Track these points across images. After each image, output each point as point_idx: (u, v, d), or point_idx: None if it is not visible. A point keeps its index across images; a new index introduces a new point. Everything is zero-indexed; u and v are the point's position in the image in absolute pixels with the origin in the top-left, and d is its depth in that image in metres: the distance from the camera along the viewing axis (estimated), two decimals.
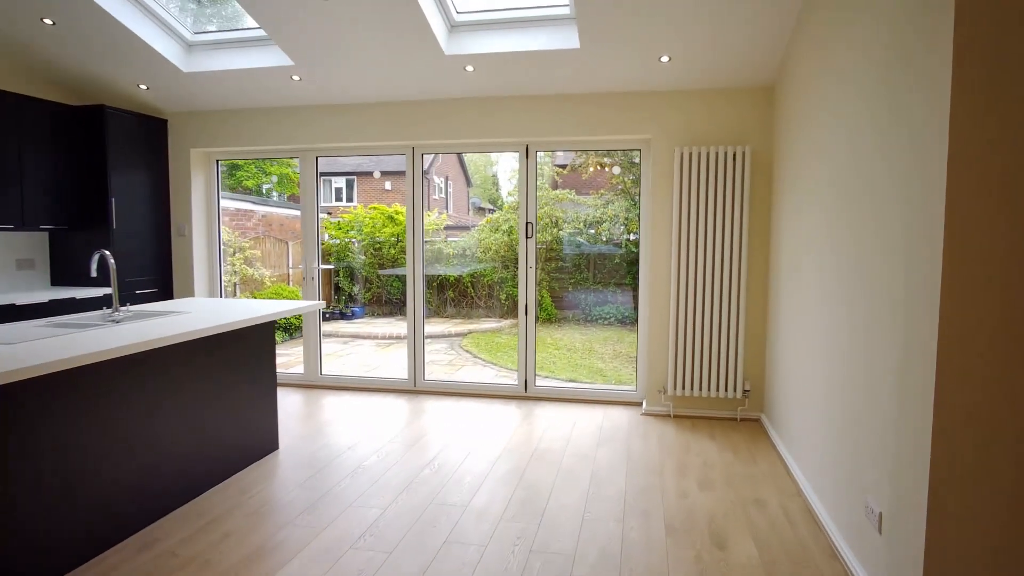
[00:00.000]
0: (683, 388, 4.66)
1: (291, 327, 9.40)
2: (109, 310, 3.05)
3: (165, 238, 5.53)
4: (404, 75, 4.69)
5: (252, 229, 9.70)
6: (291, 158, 5.65)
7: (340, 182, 12.34)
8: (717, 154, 4.45)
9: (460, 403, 5.11)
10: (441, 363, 7.81)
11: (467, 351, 8.60)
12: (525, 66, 4.45)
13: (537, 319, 9.04)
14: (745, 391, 4.61)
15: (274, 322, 3.93)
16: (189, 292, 5.59)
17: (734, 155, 4.43)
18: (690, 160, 4.50)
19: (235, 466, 3.56)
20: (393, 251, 9.71)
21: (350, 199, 12.54)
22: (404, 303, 10.30)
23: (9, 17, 4.20)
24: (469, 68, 4.52)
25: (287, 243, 10.17)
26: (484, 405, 5.05)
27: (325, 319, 10.32)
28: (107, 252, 3.02)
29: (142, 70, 4.80)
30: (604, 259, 7.87)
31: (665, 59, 4.21)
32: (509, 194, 8.06)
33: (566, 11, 4.19)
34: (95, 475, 2.63)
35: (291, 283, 9.91)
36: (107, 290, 4.90)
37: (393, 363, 7.57)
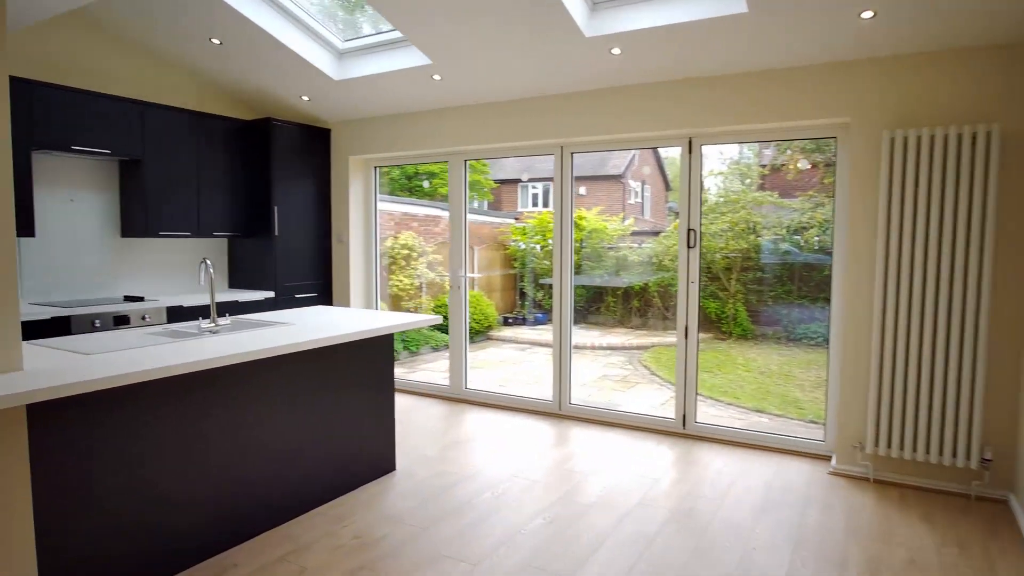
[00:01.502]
0: (888, 445, 3.56)
1: (472, 331, 9.45)
2: (208, 321, 3.00)
3: (326, 244, 5.69)
4: (544, 66, 4.20)
5: (440, 234, 9.90)
6: (442, 161, 5.48)
7: (538, 187, 12.32)
8: (946, 138, 3.30)
9: (606, 435, 4.49)
10: (614, 378, 7.21)
11: (645, 366, 7.88)
12: (680, 42, 3.71)
13: (731, 334, 7.91)
14: (984, 459, 3.37)
15: (391, 336, 3.69)
16: (346, 296, 5.69)
17: (972, 137, 3.24)
18: (904, 147, 3.40)
19: (337, 489, 3.36)
20: (576, 257, 9.32)
21: (546, 204, 12.45)
22: (588, 310, 9.87)
23: (182, 37, 4.51)
24: (615, 51, 3.89)
25: (473, 248, 10.26)
26: (632, 440, 4.37)
27: (508, 324, 10.27)
28: (208, 262, 2.97)
29: (301, 82, 4.92)
30: (811, 270, 6.64)
31: (867, 15, 3.20)
32: (718, 197, 7.19)
33: None
34: (166, 494, 2.53)
35: (476, 287, 10.00)
36: (269, 294, 5.12)
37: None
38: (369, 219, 5.83)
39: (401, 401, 5.38)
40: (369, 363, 3.54)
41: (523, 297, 10.40)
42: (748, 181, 7.31)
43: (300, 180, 5.42)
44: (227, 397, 2.72)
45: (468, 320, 5.47)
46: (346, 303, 5.69)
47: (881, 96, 3.58)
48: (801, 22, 3.35)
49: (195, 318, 4.54)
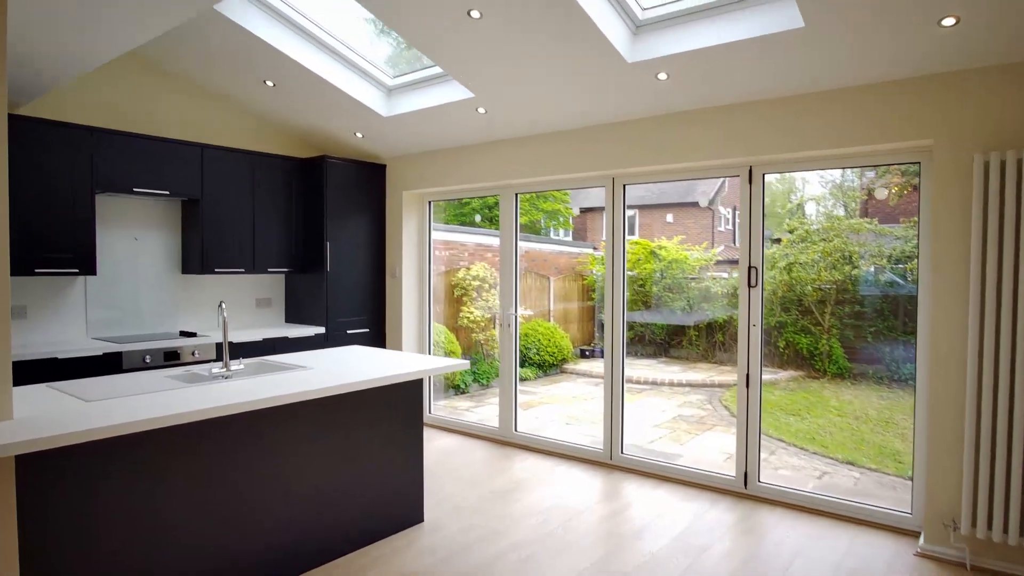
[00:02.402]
0: (989, 525, 2.98)
1: (545, 364, 9.22)
2: (219, 366, 2.96)
3: (379, 279, 5.67)
4: (587, 95, 3.98)
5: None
6: (493, 195, 5.34)
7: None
8: None
9: (657, 491, 4.10)
10: (689, 420, 6.75)
11: (725, 407, 7.34)
12: (731, 64, 3.38)
13: (825, 373, 7.20)
14: None
15: (420, 380, 3.53)
16: (398, 331, 5.63)
17: None
18: (1001, 172, 2.90)
19: (356, 542, 3.21)
20: (656, 288, 8.94)
21: (632, 232, 12.13)
22: (670, 344, 9.38)
23: (239, 80, 4.66)
24: (662, 76, 3.61)
25: (549, 278, 10.08)
26: (686, 499, 3.96)
27: (584, 356, 9.95)
28: (223, 304, 2.94)
29: (354, 119, 4.96)
30: (916, 303, 5.94)
31: (948, 23, 2.76)
32: (808, 225, 6.66)
33: None
34: (171, 545, 2.46)
35: (551, 319, 9.78)
36: (319, 329, 5.14)
37: (634, 417, 6.74)
38: (423, 253, 5.77)
39: (447, 442, 5.21)
40: (396, 408, 3.39)
41: (601, 329, 10.05)
42: (853, 206, 6.72)
43: (354, 216, 5.45)
44: (237, 444, 2.64)
45: (518, 360, 5.25)
46: (398, 338, 5.63)
47: (970, 114, 3.08)
48: (867, 35, 2.94)
49: (245, 353, 4.60)
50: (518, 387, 5.25)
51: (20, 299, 4.12)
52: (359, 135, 5.25)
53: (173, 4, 2.71)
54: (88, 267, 4.11)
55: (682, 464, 4.36)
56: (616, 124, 4.33)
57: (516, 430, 5.18)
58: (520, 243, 10.87)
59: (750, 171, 3.92)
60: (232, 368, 2.97)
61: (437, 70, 4.44)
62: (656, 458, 4.50)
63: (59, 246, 3.99)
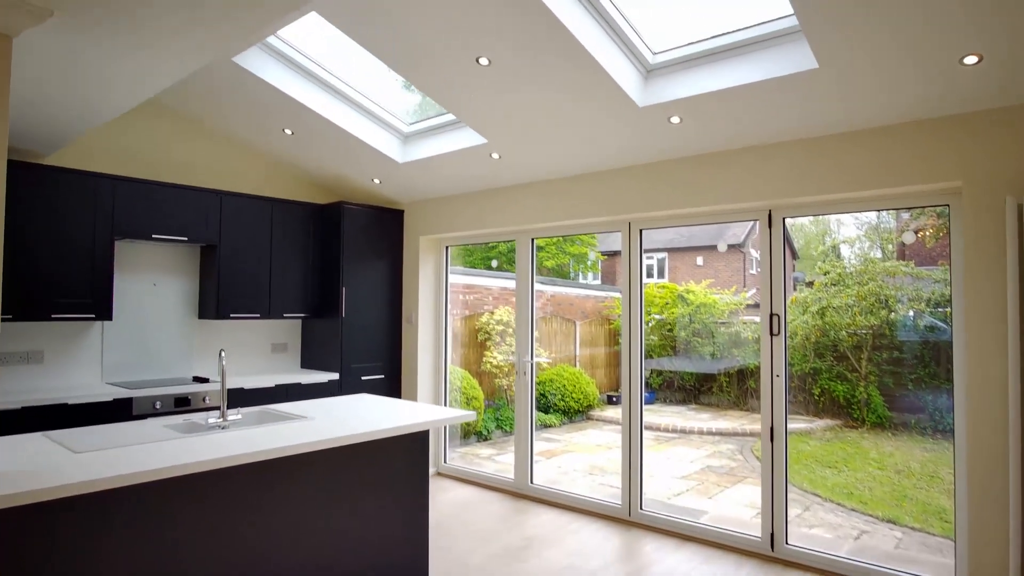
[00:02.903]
0: None
1: (570, 410, 9.01)
2: (215, 417, 2.90)
3: (395, 324, 5.62)
4: (600, 140, 3.93)
5: (541, 308, 9.68)
6: (510, 240, 5.29)
7: (652, 258, 11.94)
8: None
9: (677, 552, 3.86)
10: (719, 471, 6.47)
11: (757, 457, 7.01)
12: (744, 106, 3.29)
13: (864, 422, 6.89)
14: None
15: (426, 432, 3.41)
16: (413, 378, 5.54)
17: None
18: None
19: None
20: (684, 333, 8.72)
21: (662, 274, 12.01)
22: (699, 391, 9.10)
23: (260, 129, 4.75)
24: (674, 119, 3.54)
25: (575, 322, 9.94)
26: (708, 561, 3.71)
27: (612, 403, 9.71)
28: (223, 352, 2.90)
29: (371, 166, 4.99)
30: None
31: (971, 60, 2.64)
32: (841, 268, 6.46)
33: (792, 22, 2.96)
34: None
35: (577, 364, 9.60)
36: (333, 376, 5.08)
37: (660, 468, 6.48)
38: (439, 299, 5.72)
39: (462, 493, 5.05)
40: (401, 459, 3.27)
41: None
42: (889, 248, 6.49)
43: (371, 261, 5.44)
44: (231, 496, 2.55)
45: (534, 410, 5.09)
46: (414, 385, 5.53)
47: (999, 155, 2.92)
48: (884, 75, 2.83)
49: (256, 400, 4.56)
50: (534, 436, 5.09)
51: (37, 344, 4.17)
52: (377, 181, 5.28)
53: (187, 53, 2.75)
54: (105, 313, 4.15)
55: (705, 522, 4.11)
56: (631, 168, 4.26)
57: (532, 482, 4.99)
58: (546, 287, 10.72)
59: (769, 215, 3.79)
60: (229, 418, 2.91)
61: (451, 116, 4.46)
62: (677, 515, 4.26)
63: (77, 292, 4.04)
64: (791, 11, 2.80)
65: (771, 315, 3.76)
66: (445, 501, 4.84)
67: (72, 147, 4.33)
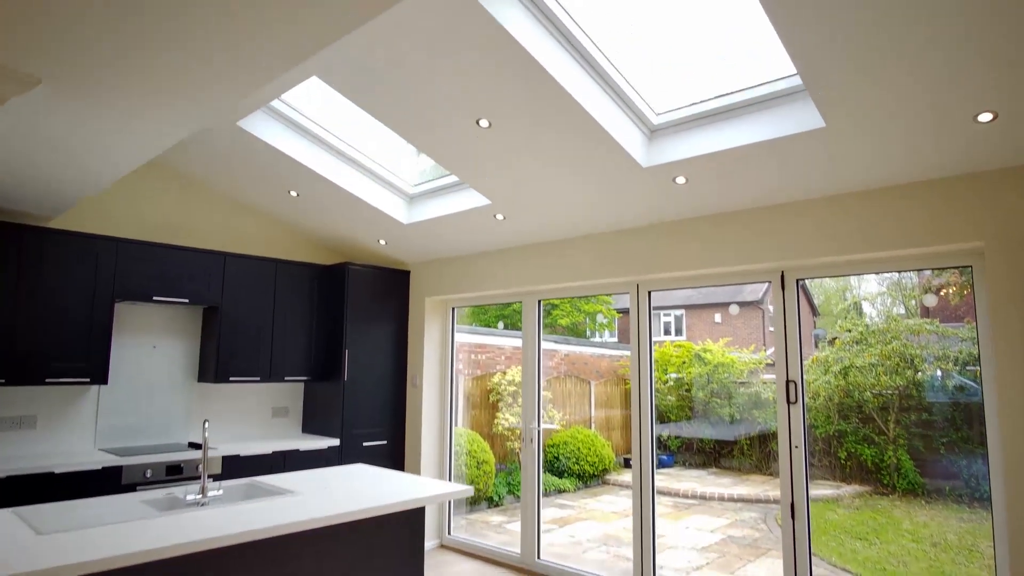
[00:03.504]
0: None
1: (585, 474, 8.68)
2: (194, 493, 2.73)
3: (400, 388, 5.47)
4: (605, 201, 3.85)
5: (555, 368, 9.49)
6: (516, 302, 5.17)
7: (670, 315, 11.77)
8: None
9: None
10: (740, 542, 6.11)
11: (781, 527, 6.64)
12: (751, 166, 3.20)
13: (895, 489, 6.57)
14: None
15: (422, 507, 3.22)
16: (417, 445, 5.35)
17: None
18: None
19: None
20: (702, 394, 8.45)
21: (679, 332, 11.79)
22: (719, 454, 8.73)
23: (266, 191, 4.75)
24: (680, 180, 3.45)
25: (589, 382, 9.71)
26: None
27: (628, 466, 9.35)
28: (206, 423, 2.77)
29: (377, 227, 4.96)
30: None
31: (986, 118, 2.53)
32: (863, 326, 6.24)
33: (797, 81, 2.89)
34: None
35: (593, 426, 9.32)
36: (334, 442, 4.91)
37: (678, 538, 6.13)
38: (445, 361, 5.58)
39: (465, 568, 4.77)
40: (393, 538, 3.07)
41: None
42: (912, 304, 6.27)
43: (376, 323, 5.34)
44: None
45: (541, 480, 4.86)
46: (417, 452, 5.33)
47: (1022, 213, 2.77)
48: (894, 134, 2.73)
49: (252, 467, 4.39)
50: (544, 504, 4.85)
51: (31, 408, 4.07)
52: (382, 242, 5.24)
53: (179, 120, 2.74)
54: (100, 377, 4.06)
55: None
56: (637, 229, 4.16)
57: (539, 558, 4.71)
58: (560, 346, 10.48)
59: (782, 276, 3.64)
60: (211, 494, 2.76)
61: (455, 178, 4.43)
62: None
63: (73, 355, 3.97)
64: (795, 71, 2.74)
65: (787, 382, 3.57)
66: None
67: (76, 209, 4.35)
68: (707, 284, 4.06)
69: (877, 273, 3.49)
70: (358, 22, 1.99)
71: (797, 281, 3.61)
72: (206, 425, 2.78)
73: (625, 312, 12.11)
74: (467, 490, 3.16)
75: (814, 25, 2.25)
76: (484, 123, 3.29)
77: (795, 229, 3.47)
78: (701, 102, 3.26)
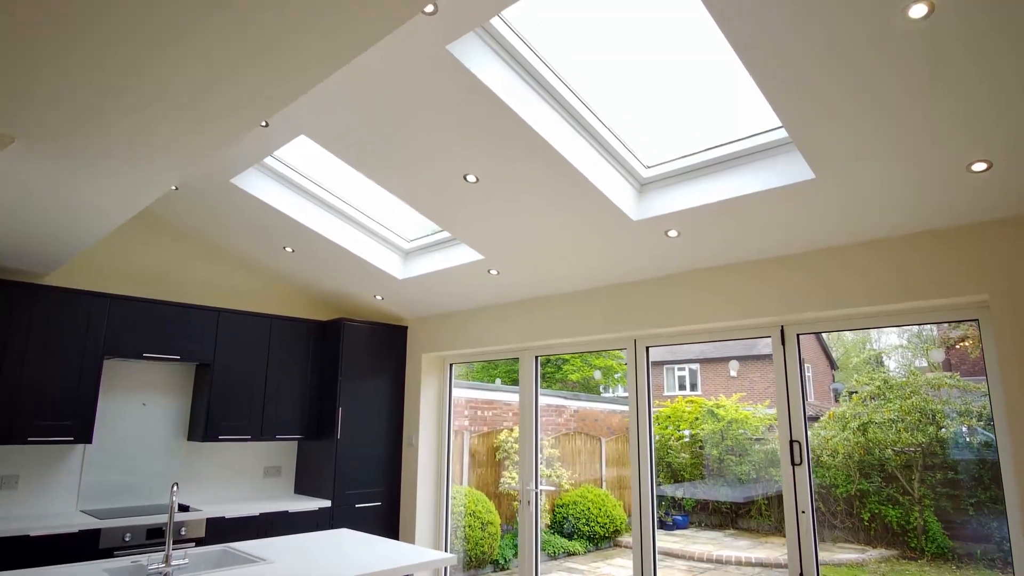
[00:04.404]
0: None
1: (596, 536, 8.34)
2: (156, 565, 2.59)
3: (395, 447, 5.32)
4: (597, 255, 3.79)
5: (563, 425, 9.26)
6: (513, 358, 5.05)
7: (684, 370, 11.54)
8: None
9: None
10: None
11: None
12: (742, 218, 3.13)
13: (923, 553, 6.24)
14: None
15: None
16: (413, 506, 5.15)
17: None
18: None
19: None
20: (716, 451, 8.16)
21: (694, 387, 11.54)
22: (736, 514, 8.36)
23: (260, 247, 4.75)
24: (672, 233, 3.38)
25: (600, 439, 9.45)
26: None
27: None
28: (176, 486, 2.65)
29: (372, 282, 4.92)
30: None
31: (979, 167, 2.45)
32: (879, 381, 6.02)
33: (781, 134, 2.84)
34: None
35: (604, 485, 9.01)
36: (325, 503, 4.74)
37: None
38: (442, 418, 5.43)
39: None
40: None
41: (660, 496, 9.14)
42: (932, 358, 6.04)
43: (371, 380, 5.24)
44: None
45: (539, 544, 4.63)
46: (412, 513, 5.13)
47: None
48: (888, 184, 2.66)
49: (237, 531, 4.23)
50: (540, 570, 4.60)
51: (13, 468, 3.98)
52: (379, 297, 5.19)
53: (161, 174, 2.74)
54: (84, 435, 3.98)
55: None
56: (632, 284, 4.08)
57: None
58: (569, 402, 10.27)
59: (782, 331, 3.51)
60: (175, 563, 2.62)
61: (447, 233, 4.41)
62: None
63: (58, 413, 3.90)
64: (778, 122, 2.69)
65: (791, 442, 3.39)
66: None
67: (68, 265, 4.35)
68: (706, 339, 3.93)
69: (880, 328, 3.33)
70: (330, 70, 1.97)
71: (797, 336, 3.48)
72: (175, 489, 2.67)
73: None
74: (449, 558, 2.98)
75: (794, 81, 2.22)
76: (471, 178, 3.27)
77: (793, 282, 3.37)
78: (691, 154, 3.21)
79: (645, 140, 3.30)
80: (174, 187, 4.02)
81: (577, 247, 3.76)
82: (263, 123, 3.12)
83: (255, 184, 3.97)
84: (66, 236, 3.39)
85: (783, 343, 3.50)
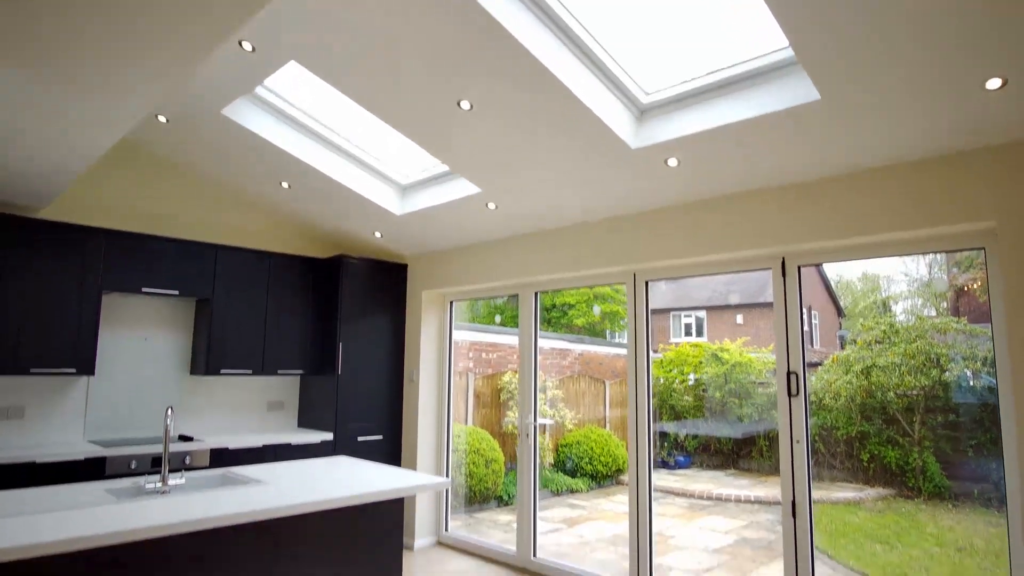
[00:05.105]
0: None
1: (598, 474, 8.51)
2: (153, 482, 2.64)
3: (397, 383, 5.37)
4: (595, 186, 3.70)
5: (568, 367, 9.33)
6: (513, 294, 5.03)
7: (691, 316, 11.52)
8: None
9: None
10: (755, 544, 5.90)
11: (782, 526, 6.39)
12: (744, 144, 3.03)
13: (920, 492, 6.32)
14: None
15: (400, 501, 3.10)
16: (414, 441, 5.24)
17: None
18: None
19: None
20: (719, 394, 8.23)
21: (700, 333, 11.55)
22: (738, 455, 8.49)
23: (256, 183, 4.69)
24: (671, 162, 3.29)
25: (604, 382, 9.54)
26: None
27: None
28: (171, 410, 2.68)
29: (371, 219, 4.86)
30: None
31: (994, 84, 2.33)
32: (885, 324, 5.97)
33: (790, 54, 2.71)
34: None
35: (607, 426, 9.14)
36: (327, 436, 4.82)
37: (690, 539, 5.94)
38: (443, 356, 5.46)
39: (460, 565, 4.65)
40: (369, 532, 2.96)
41: (663, 437, 9.28)
42: (944, 305, 5.99)
43: (371, 316, 5.25)
44: (158, 571, 2.29)
45: (537, 476, 4.72)
46: (414, 447, 5.22)
47: None
48: (896, 106, 2.54)
49: (240, 461, 4.33)
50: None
51: (19, 399, 4.05)
52: (378, 234, 5.15)
53: (139, 89, 2.67)
54: (87, 367, 4.03)
55: None
56: (631, 216, 4.00)
57: (535, 556, 4.56)
58: (574, 345, 10.28)
59: (783, 263, 3.45)
60: (172, 483, 2.67)
61: (446, 167, 4.32)
62: None
63: (59, 345, 3.93)
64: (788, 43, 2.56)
65: (788, 373, 3.38)
66: (441, 574, 4.45)
67: (65, 201, 4.31)
68: (706, 272, 3.89)
69: (882, 257, 3.26)
70: None
71: (798, 268, 3.42)
72: (169, 412, 2.69)
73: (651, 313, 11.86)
74: (444, 482, 3.03)
75: None
76: (465, 105, 3.17)
77: (794, 212, 3.29)
78: (692, 79, 3.09)
79: (646, 65, 3.18)
80: (164, 119, 3.93)
81: (575, 178, 3.67)
82: (248, 46, 3.01)
83: (248, 116, 3.87)
84: (54, 162, 3.33)
85: (784, 275, 3.44)
